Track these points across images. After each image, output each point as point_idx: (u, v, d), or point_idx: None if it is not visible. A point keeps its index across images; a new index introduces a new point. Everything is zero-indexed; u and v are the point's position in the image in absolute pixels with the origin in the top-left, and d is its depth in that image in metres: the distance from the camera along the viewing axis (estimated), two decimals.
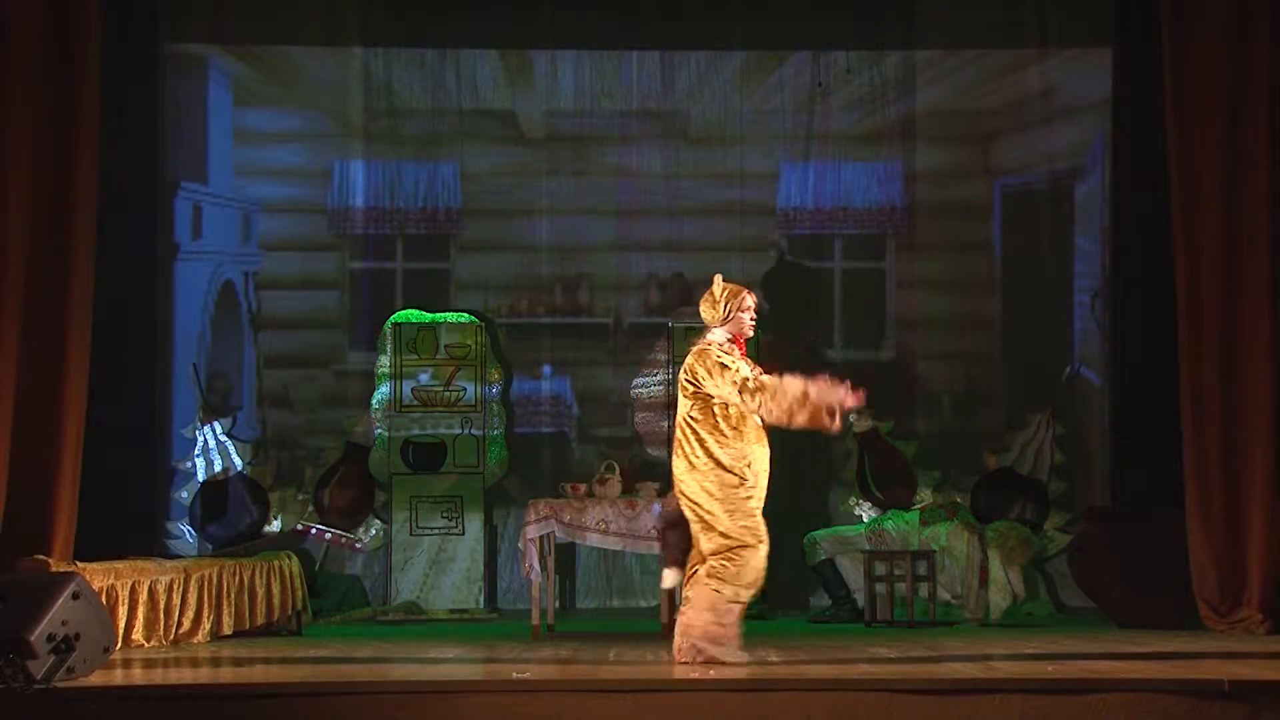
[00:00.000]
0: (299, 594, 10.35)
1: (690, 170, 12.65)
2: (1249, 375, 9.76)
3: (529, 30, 12.41)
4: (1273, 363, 9.75)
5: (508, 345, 12.07)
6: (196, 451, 11.72)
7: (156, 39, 11.78)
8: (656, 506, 9.92)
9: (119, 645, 8.40)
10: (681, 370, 7.97)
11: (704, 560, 7.72)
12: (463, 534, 11.54)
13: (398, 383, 11.65)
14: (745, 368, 7.78)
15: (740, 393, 7.67)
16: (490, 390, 11.71)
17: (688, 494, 7.78)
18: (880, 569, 10.80)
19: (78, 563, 8.85)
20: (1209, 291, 9.83)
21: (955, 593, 10.88)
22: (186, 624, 9.38)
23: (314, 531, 11.61)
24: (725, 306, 7.90)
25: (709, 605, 7.67)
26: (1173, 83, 9.96)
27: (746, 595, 7.73)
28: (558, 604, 10.76)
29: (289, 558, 10.45)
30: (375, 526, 11.73)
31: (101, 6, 9.75)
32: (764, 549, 7.71)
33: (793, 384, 7.61)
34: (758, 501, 7.75)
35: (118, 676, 7.49)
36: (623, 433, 11.93)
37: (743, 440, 7.76)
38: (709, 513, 7.71)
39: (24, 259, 9.27)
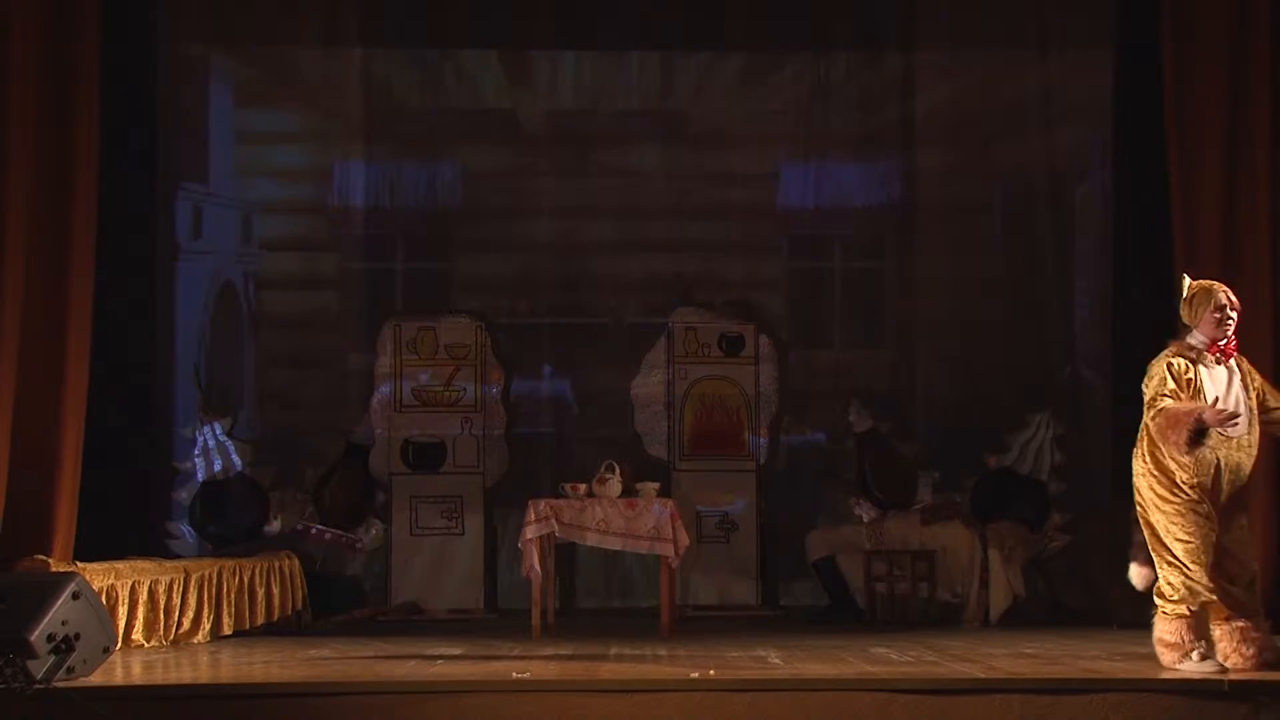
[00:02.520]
0: (299, 594, 10.36)
1: (690, 170, 12.65)
2: None
3: (529, 30, 12.43)
4: (1273, 363, 9.75)
5: (508, 345, 12.05)
6: (196, 451, 11.71)
7: (156, 39, 11.76)
8: (656, 507, 9.92)
9: (119, 645, 8.40)
10: None
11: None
12: (463, 534, 11.53)
13: (397, 383, 11.65)
14: (1167, 382, 7.30)
15: (1147, 410, 7.35)
16: (490, 390, 11.71)
17: (1138, 499, 7.61)
18: (880, 569, 10.80)
19: (78, 563, 8.85)
20: None
21: (955, 593, 10.87)
22: (186, 624, 9.38)
23: (314, 531, 11.60)
24: (1193, 308, 7.47)
25: (1159, 629, 7.49)
26: (1173, 83, 9.96)
27: (1182, 608, 7.40)
28: (558, 604, 10.75)
29: (289, 558, 10.45)
30: (375, 526, 11.72)
31: (101, 6, 9.75)
32: (1194, 569, 7.38)
33: (1180, 407, 7.26)
34: (1207, 507, 7.43)
35: (118, 676, 7.49)
36: (623, 433, 11.91)
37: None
38: (1148, 522, 7.54)
39: (24, 259, 9.27)
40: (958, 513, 11.16)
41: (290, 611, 10.24)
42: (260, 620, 9.96)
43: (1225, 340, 7.49)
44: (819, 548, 11.20)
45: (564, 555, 11.14)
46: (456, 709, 6.77)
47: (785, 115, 12.66)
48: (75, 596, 7.20)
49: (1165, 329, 10.05)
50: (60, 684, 6.93)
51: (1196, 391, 7.43)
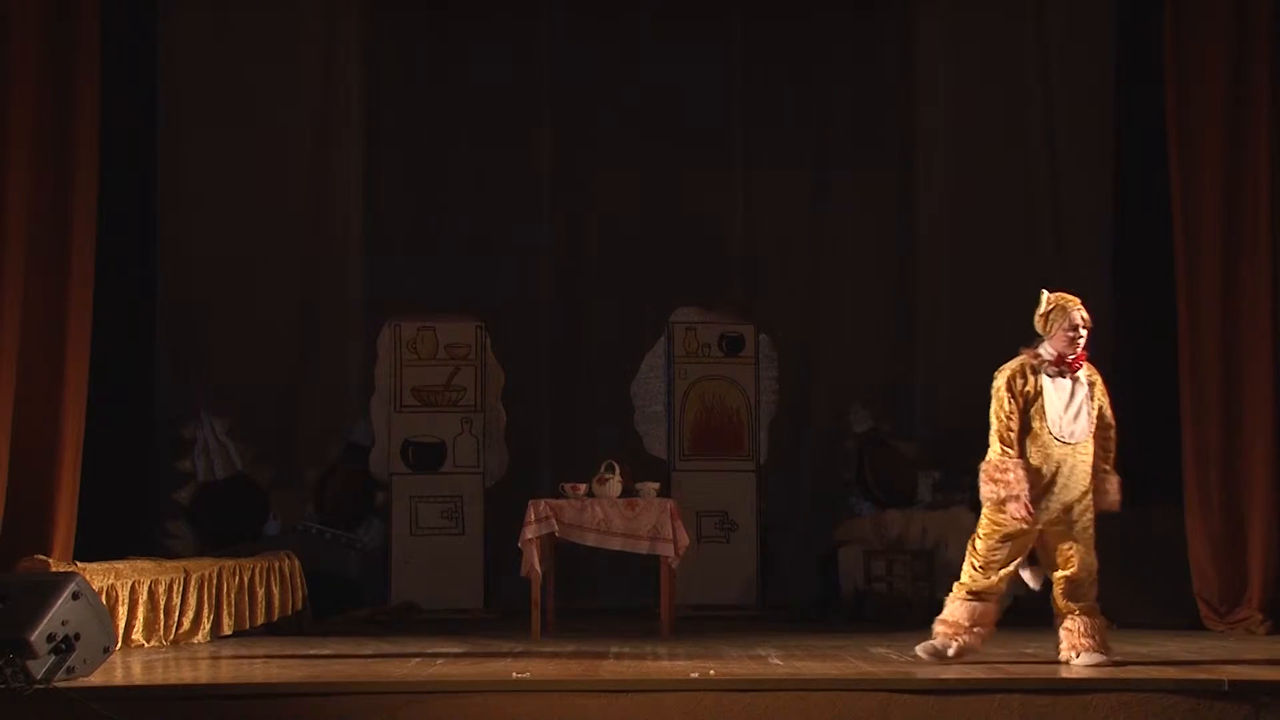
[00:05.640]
0: (299, 594, 10.35)
1: (690, 170, 12.63)
2: (1249, 376, 9.77)
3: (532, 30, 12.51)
4: (1273, 363, 9.76)
5: (507, 345, 12.04)
6: (196, 451, 11.72)
7: (156, 39, 11.77)
8: (656, 507, 9.90)
9: (119, 645, 8.40)
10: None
11: None
12: (463, 534, 11.53)
13: (397, 382, 11.65)
14: (1005, 405, 7.64)
15: (994, 435, 7.66)
16: (490, 390, 11.72)
17: None
18: (880, 568, 10.79)
19: (78, 563, 8.85)
20: (1209, 292, 9.84)
21: None
22: (186, 624, 9.38)
23: (314, 531, 11.60)
24: (1048, 321, 7.63)
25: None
26: (1173, 83, 9.97)
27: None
28: (557, 604, 10.74)
29: (289, 558, 10.45)
30: (375, 526, 11.72)
31: (101, 6, 9.74)
32: None
33: (1009, 475, 7.60)
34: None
35: (118, 676, 7.49)
36: (623, 433, 11.90)
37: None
38: None
39: (24, 258, 9.27)
40: (964, 500, 11.16)
41: (290, 611, 10.24)
42: (260, 620, 9.96)
43: (1074, 356, 7.66)
44: (821, 540, 11.21)
45: (564, 555, 11.14)
46: (456, 709, 6.77)
47: (786, 119, 12.66)
48: (75, 596, 7.20)
49: (1166, 329, 10.13)
50: (60, 684, 6.93)
51: (1036, 402, 7.64)
